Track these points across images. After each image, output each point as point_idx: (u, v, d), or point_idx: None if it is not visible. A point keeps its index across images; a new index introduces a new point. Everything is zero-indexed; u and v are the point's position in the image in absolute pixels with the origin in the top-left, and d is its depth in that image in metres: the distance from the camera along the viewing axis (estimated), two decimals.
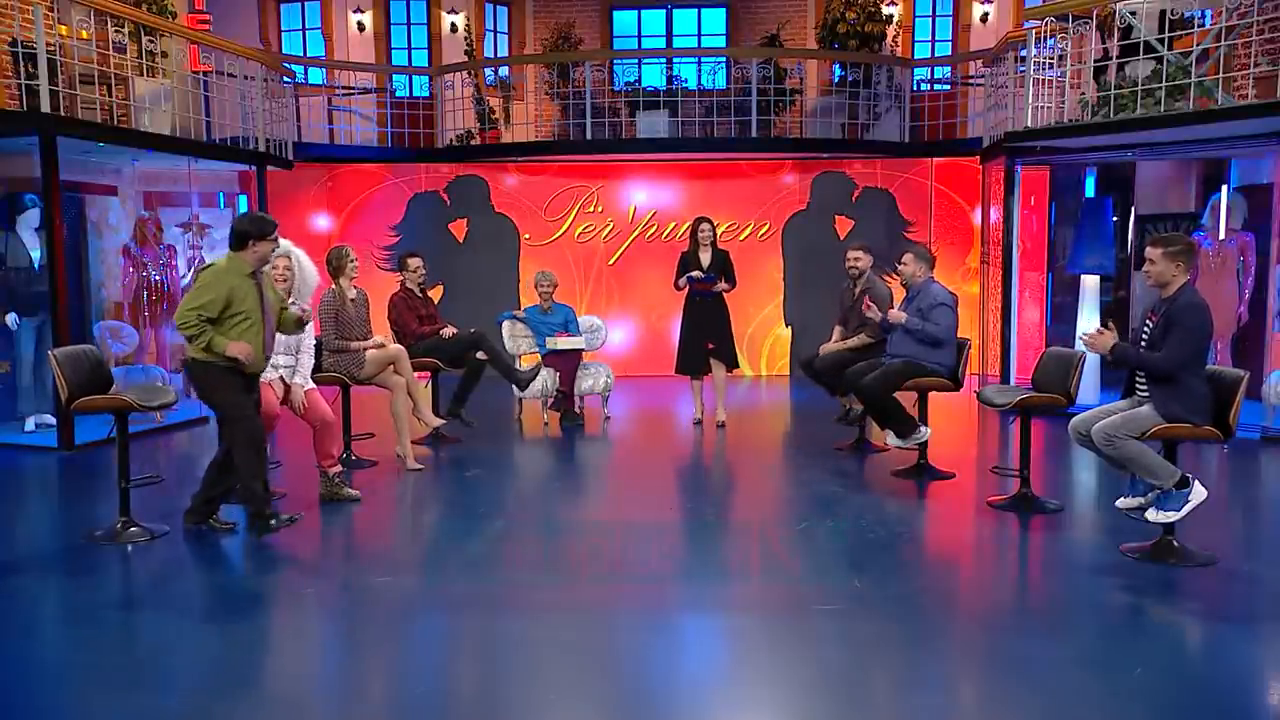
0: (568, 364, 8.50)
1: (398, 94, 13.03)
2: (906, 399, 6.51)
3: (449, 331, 7.71)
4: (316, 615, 4.40)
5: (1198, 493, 4.70)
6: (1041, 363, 6.06)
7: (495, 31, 14.19)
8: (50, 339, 7.45)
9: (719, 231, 8.76)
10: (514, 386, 8.16)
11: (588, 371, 8.68)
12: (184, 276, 9.46)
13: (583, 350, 8.66)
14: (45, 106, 7.24)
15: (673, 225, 11.31)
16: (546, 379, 8.35)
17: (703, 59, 12.89)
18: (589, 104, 11.41)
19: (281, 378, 5.94)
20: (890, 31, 12.74)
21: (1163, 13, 8.00)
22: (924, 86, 13.04)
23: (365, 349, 6.85)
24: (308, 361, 6.10)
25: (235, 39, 10.21)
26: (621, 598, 4.54)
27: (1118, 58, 8.21)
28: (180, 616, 4.27)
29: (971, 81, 12.34)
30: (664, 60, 13.17)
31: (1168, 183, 10.06)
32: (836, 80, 12.59)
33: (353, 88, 12.70)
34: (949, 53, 13.36)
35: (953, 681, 3.71)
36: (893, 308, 6.82)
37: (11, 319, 7.79)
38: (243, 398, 5.19)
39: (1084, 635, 4.04)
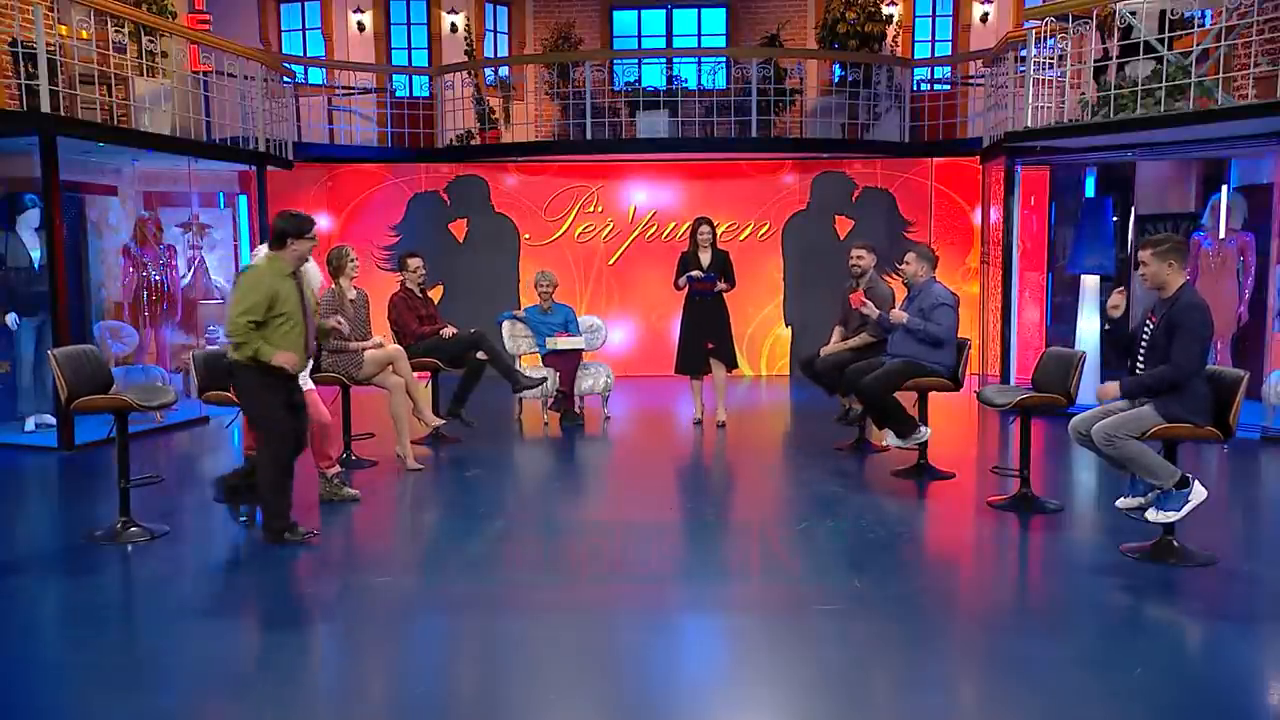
0: (568, 364, 8.50)
1: (398, 94, 13.03)
2: (906, 399, 6.51)
3: (449, 331, 7.71)
4: (316, 615, 4.40)
5: (1198, 493, 4.69)
6: (1041, 363, 6.06)
7: (495, 31, 14.18)
8: (50, 339, 7.45)
9: (719, 232, 8.76)
10: (512, 386, 8.15)
11: (588, 371, 8.68)
12: (184, 277, 9.46)
13: (583, 350, 8.66)
14: (45, 106, 7.24)
15: (673, 225, 11.31)
16: (547, 379, 8.35)
17: (703, 59, 12.89)
18: (589, 104, 11.41)
19: None
20: (890, 31, 12.74)
21: (1163, 13, 7.99)
22: (924, 86, 13.03)
23: (364, 349, 6.85)
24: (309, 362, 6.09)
25: (235, 39, 10.21)
26: (621, 598, 4.54)
27: (1118, 58, 8.21)
28: (180, 616, 4.27)
29: (971, 81, 12.34)
30: (664, 60, 13.16)
31: (1168, 183, 10.05)
32: (836, 80, 12.59)
33: (353, 88, 12.70)
34: (949, 53, 13.36)
35: (953, 681, 3.71)
36: (894, 307, 6.82)
37: (11, 319, 7.79)
38: (279, 412, 5.10)
39: (1084, 635, 4.04)
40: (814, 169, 11.54)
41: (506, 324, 8.75)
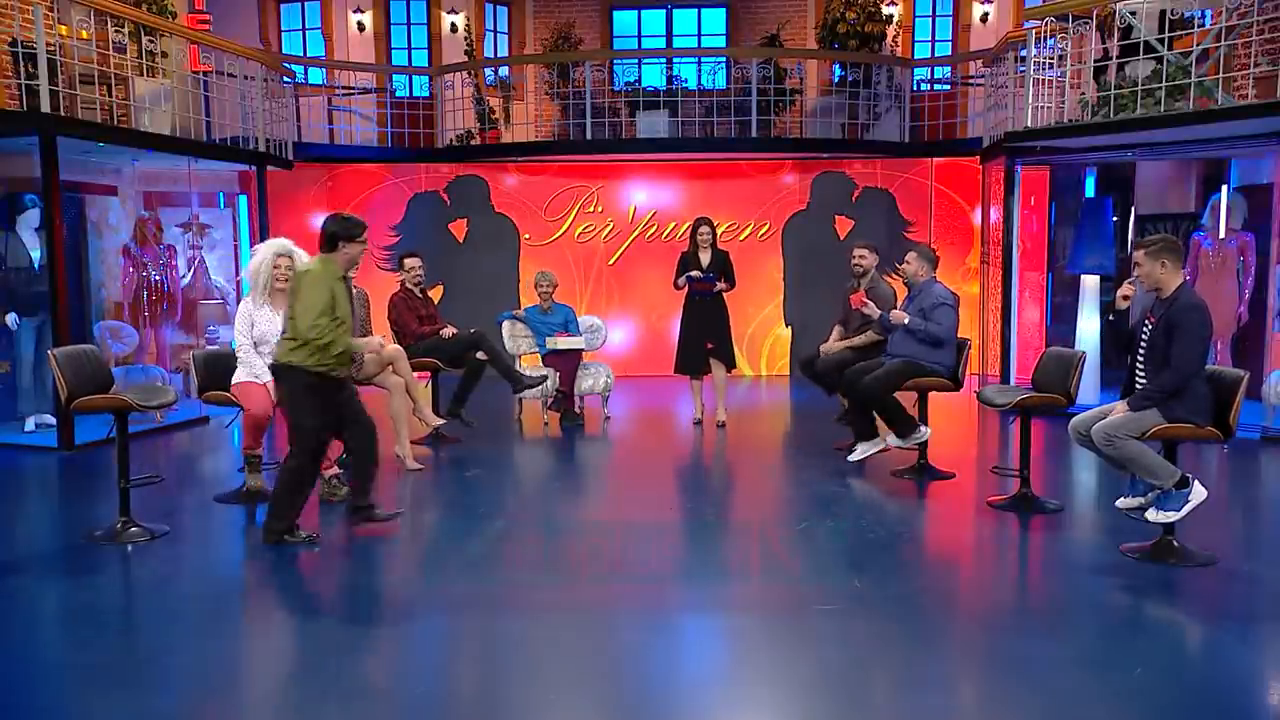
0: (568, 364, 8.50)
1: (398, 94, 13.03)
2: (906, 399, 6.51)
3: (449, 331, 7.71)
4: (316, 615, 4.40)
5: (1198, 493, 4.69)
6: (1041, 363, 6.05)
7: (495, 31, 14.18)
8: (50, 339, 7.45)
9: (719, 232, 8.76)
10: (512, 386, 8.15)
11: (588, 371, 8.68)
12: (184, 277, 9.46)
13: (583, 350, 8.66)
14: (45, 106, 7.24)
15: (673, 225, 11.31)
16: (547, 379, 8.35)
17: (703, 59, 12.89)
18: (589, 104, 11.41)
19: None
20: (890, 31, 12.74)
21: (1163, 13, 7.99)
22: (924, 86, 13.03)
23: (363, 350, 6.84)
24: None
25: (235, 39, 10.21)
26: (621, 598, 4.54)
27: (1118, 58, 8.21)
28: (180, 616, 4.27)
29: (971, 81, 12.34)
30: (664, 60, 13.16)
31: (1168, 183, 10.06)
32: (836, 80, 12.59)
33: (353, 88, 12.70)
34: (949, 53, 13.36)
35: (953, 681, 3.71)
36: (895, 307, 6.83)
37: (11, 319, 7.79)
38: (321, 419, 5.08)
39: (1084, 635, 4.04)
40: (814, 169, 11.54)
41: (506, 324, 8.75)
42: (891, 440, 6.52)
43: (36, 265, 7.87)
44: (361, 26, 13.56)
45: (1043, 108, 8.67)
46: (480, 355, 7.74)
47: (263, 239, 8.48)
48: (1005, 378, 9.20)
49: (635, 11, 14.30)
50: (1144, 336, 4.89)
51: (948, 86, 12.95)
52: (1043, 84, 8.71)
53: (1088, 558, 5.07)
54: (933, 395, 6.62)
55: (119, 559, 5.07)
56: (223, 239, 10.32)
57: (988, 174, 10.14)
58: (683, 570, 4.97)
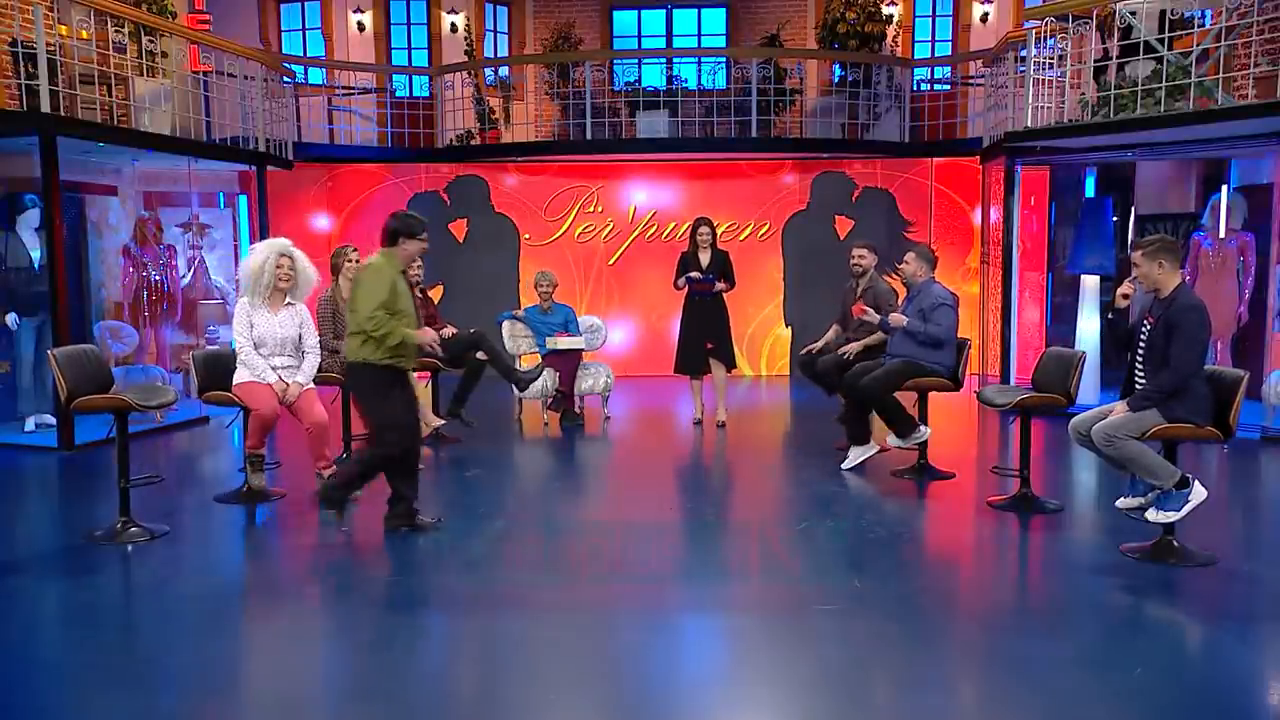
0: (568, 364, 8.50)
1: (398, 94, 13.03)
2: (906, 399, 6.51)
3: (449, 331, 7.70)
4: (316, 615, 4.40)
5: (1198, 493, 4.69)
6: (1041, 363, 6.05)
7: (495, 31, 14.18)
8: (50, 339, 7.45)
9: (719, 232, 8.76)
10: (514, 386, 8.16)
11: (588, 371, 8.68)
12: (184, 277, 9.46)
13: (583, 350, 8.66)
14: (45, 106, 7.24)
15: (673, 225, 11.31)
16: (546, 379, 8.35)
17: (703, 59, 12.89)
18: (589, 104, 11.41)
19: (281, 378, 5.90)
20: (890, 31, 12.74)
21: (1163, 13, 8.00)
22: (924, 86, 13.03)
23: None
24: (313, 360, 6.05)
25: (235, 39, 10.21)
26: (621, 598, 4.54)
27: (1118, 58, 8.21)
28: (180, 616, 4.27)
29: (971, 81, 12.34)
30: (664, 60, 13.17)
31: (1168, 183, 10.06)
32: (836, 80, 12.59)
33: (353, 88, 12.70)
34: (949, 53, 13.36)
35: (953, 681, 3.71)
36: (894, 306, 6.83)
37: (11, 319, 7.79)
38: (398, 408, 5.16)
39: (1084, 635, 4.04)
40: (814, 169, 11.54)
41: (506, 324, 8.75)
42: (892, 440, 6.52)
43: (36, 265, 7.87)
44: (361, 26, 13.56)
45: (1043, 108, 8.68)
46: (480, 355, 7.74)
47: (263, 239, 8.47)
48: (1005, 378, 9.20)
49: (635, 11, 14.30)
50: (1143, 336, 4.89)
51: (948, 86, 12.95)
52: (1043, 84, 8.71)
53: (1088, 558, 5.07)
54: (933, 395, 6.62)
55: (119, 559, 5.07)
56: (223, 239, 10.32)
57: (988, 174, 10.14)
58: (683, 570, 4.97)
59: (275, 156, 10.02)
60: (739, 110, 11.62)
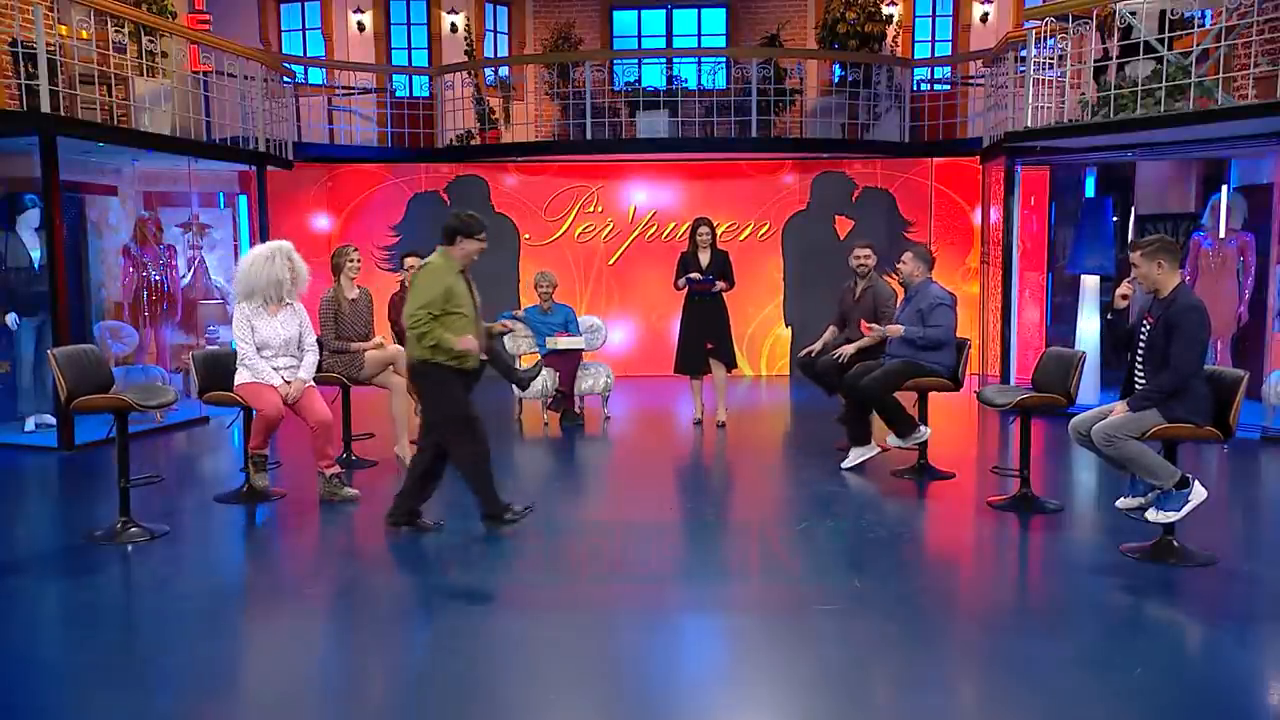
0: (568, 364, 8.50)
1: (398, 94, 13.03)
2: (906, 399, 6.51)
3: None
4: (316, 615, 4.40)
5: (1198, 493, 4.69)
6: (1041, 363, 6.05)
7: (495, 31, 14.18)
8: (50, 339, 7.45)
9: (719, 232, 8.76)
10: (514, 386, 8.14)
11: (588, 371, 8.68)
12: (184, 277, 9.46)
13: (583, 350, 8.66)
14: (45, 106, 7.24)
15: (673, 225, 11.31)
16: (546, 379, 8.35)
17: (703, 59, 12.89)
18: (589, 104, 11.41)
19: (284, 380, 5.90)
20: (890, 31, 12.74)
21: (1163, 13, 7.99)
22: (924, 86, 13.03)
23: (365, 350, 6.85)
24: (311, 359, 6.07)
25: (235, 39, 10.21)
26: (621, 598, 4.54)
27: (1118, 58, 8.21)
28: (180, 616, 4.27)
29: (971, 81, 12.34)
30: (664, 60, 13.17)
31: (1168, 183, 10.06)
32: (836, 80, 12.59)
33: (353, 88, 12.70)
34: (949, 53, 13.36)
35: (953, 681, 3.71)
36: (894, 307, 6.82)
37: (11, 319, 7.79)
38: (465, 406, 5.16)
39: (1084, 635, 4.04)
40: (814, 169, 11.54)
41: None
42: (892, 440, 6.52)
43: (36, 265, 7.87)
44: (361, 26, 13.56)
45: (1043, 108, 8.67)
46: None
47: (263, 239, 8.49)
48: (1005, 378, 9.20)
49: (635, 11, 14.30)
50: (1143, 337, 4.89)
51: (948, 86, 12.95)
52: (1043, 84, 8.71)
53: (1088, 558, 5.07)
54: (933, 395, 6.62)
55: (119, 559, 5.07)
56: (223, 239, 10.32)
57: (988, 174, 10.14)
58: (683, 570, 4.97)
59: (275, 156, 10.02)
60: (739, 110, 11.62)
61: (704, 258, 8.17)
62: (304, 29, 13.75)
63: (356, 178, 11.70)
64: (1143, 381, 4.87)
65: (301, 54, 13.46)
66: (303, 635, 4.19)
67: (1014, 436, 7.63)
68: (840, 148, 11.57)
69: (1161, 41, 7.82)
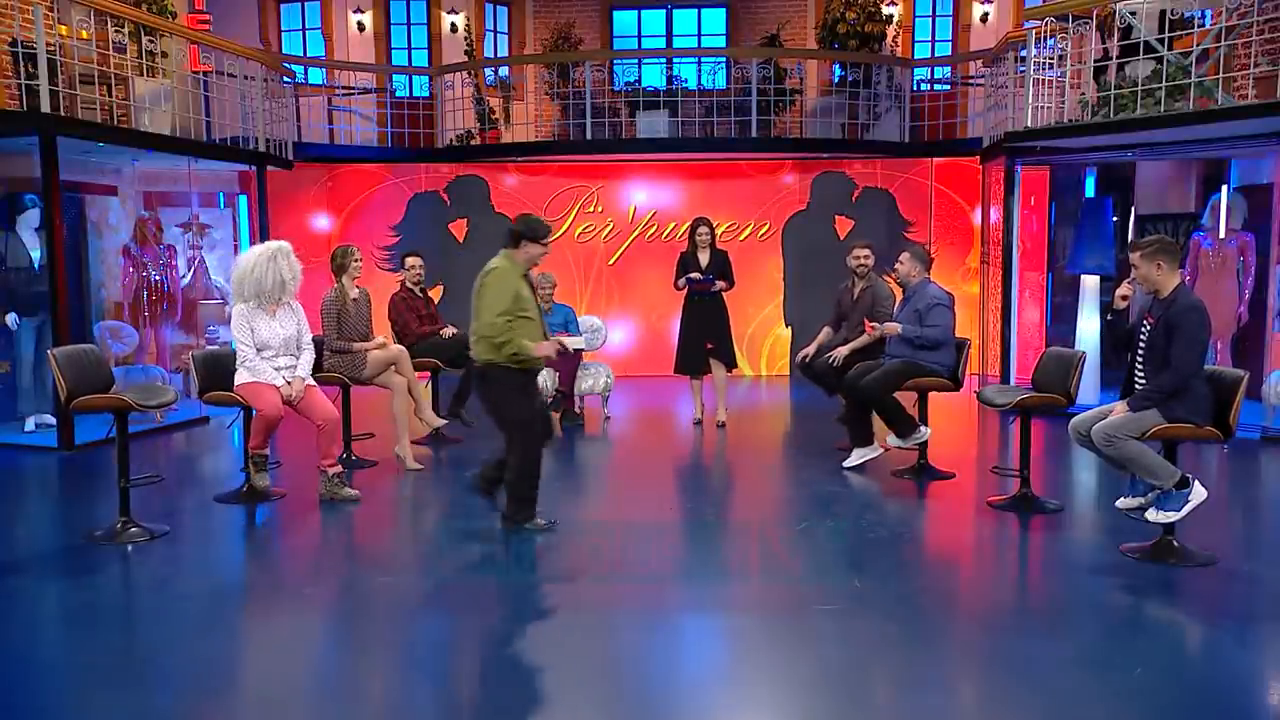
0: (568, 364, 8.48)
1: (398, 94, 13.03)
2: (906, 399, 6.51)
3: (449, 332, 7.71)
4: (316, 615, 4.40)
5: (1198, 493, 4.69)
6: (1041, 363, 6.05)
7: (495, 31, 14.18)
8: (50, 339, 7.45)
9: (719, 232, 8.76)
10: None
11: (588, 371, 8.67)
12: (184, 277, 9.46)
13: (583, 350, 8.65)
14: (45, 106, 7.24)
15: (673, 225, 11.31)
16: (546, 379, 8.34)
17: (703, 59, 12.89)
18: (589, 104, 11.41)
19: (285, 379, 5.90)
20: (890, 31, 12.74)
21: (1163, 13, 8.00)
22: (924, 86, 13.03)
23: (367, 350, 6.84)
24: (309, 357, 6.08)
25: (235, 39, 10.21)
26: (621, 598, 4.54)
27: (1118, 58, 8.21)
28: (179, 616, 4.27)
29: (971, 81, 12.34)
30: (664, 60, 13.17)
31: (1168, 183, 10.06)
32: (836, 80, 12.59)
33: (353, 88, 12.70)
34: (949, 53, 13.36)
35: (953, 681, 3.71)
36: (893, 307, 6.82)
37: (11, 319, 7.79)
38: (530, 409, 5.26)
39: (1084, 635, 4.04)
40: (814, 169, 11.54)
41: None
42: (891, 440, 6.52)
43: (36, 265, 7.87)
44: (361, 26, 13.56)
45: (1043, 108, 8.67)
46: None
47: (263, 239, 8.47)
48: (1005, 378, 9.20)
49: (635, 11, 14.30)
50: (1143, 337, 4.89)
51: (948, 86, 12.95)
52: (1043, 84, 8.71)
53: (1088, 558, 5.07)
54: (933, 395, 6.62)
55: (119, 559, 5.07)
56: (223, 239, 10.32)
57: (988, 174, 10.14)
58: (683, 570, 4.97)
59: (275, 156, 10.02)
60: (739, 110, 11.62)
61: (703, 258, 8.18)
62: (304, 29, 13.75)
63: (356, 178, 11.70)
64: (1143, 382, 4.87)
65: (301, 54, 13.46)
66: (302, 635, 4.19)
67: (1014, 436, 7.63)
68: (840, 148, 11.57)
69: (1161, 41, 7.82)
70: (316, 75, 13.22)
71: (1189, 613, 4.42)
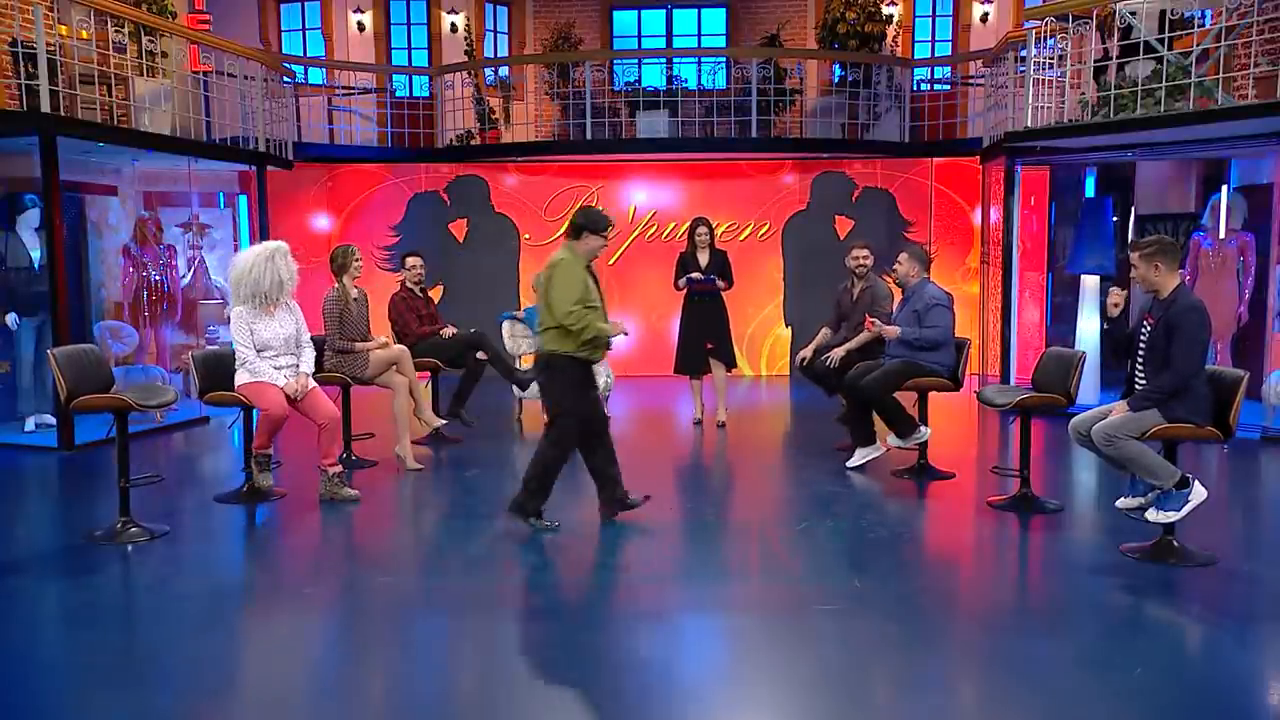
0: None
1: (398, 94, 13.03)
2: (906, 399, 6.51)
3: (449, 332, 7.71)
4: (316, 615, 4.40)
5: (1198, 493, 4.69)
6: (1041, 363, 6.05)
7: (495, 31, 14.19)
8: (50, 339, 7.45)
9: (719, 232, 8.76)
10: (514, 387, 8.16)
11: None
12: (184, 277, 9.46)
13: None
14: (45, 106, 7.24)
15: (673, 225, 11.31)
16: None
17: (703, 59, 12.89)
18: (589, 104, 11.41)
19: (287, 379, 5.89)
20: (890, 31, 12.74)
21: (1163, 13, 8.00)
22: (924, 86, 13.04)
23: (369, 350, 6.84)
24: (309, 355, 6.08)
25: (235, 39, 10.21)
26: (622, 598, 4.54)
27: (1118, 58, 8.21)
28: (179, 616, 4.27)
29: (971, 81, 12.34)
30: (664, 60, 13.17)
31: (1168, 183, 10.06)
32: (836, 80, 12.59)
33: (353, 88, 12.70)
34: (949, 53, 13.36)
35: (953, 681, 3.71)
36: (892, 307, 6.82)
37: (11, 319, 7.79)
38: (586, 402, 5.35)
39: (1084, 635, 4.04)
40: (814, 169, 11.55)
41: (506, 324, 8.75)
42: (892, 440, 6.52)
43: (36, 265, 7.87)
44: (361, 26, 13.56)
45: (1043, 108, 8.67)
46: (480, 355, 7.74)
47: (263, 239, 8.46)
48: (1005, 378, 9.20)
49: (635, 11, 14.31)
50: (1143, 338, 4.89)
51: (948, 86, 12.95)
52: (1043, 84, 8.71)
53: (1088, 558, 5.07)
54: (933, 395, 6.62)
55: (119, 559, 5.06)
56: (223, 239, 10.32)
57: (988, 174, 10.14)
58: (683, 570, 4.97)
59: (275, 156, 10.02)
60: (739, 110, 11.62)
61: (703, 258, 8.18)
62: (304, 29, 13.75)
63: (356, 178, 11.70)
64: (1143, 382, 4.87)
65: (301, 54, 13.46)
66: (302, 635, 4.19)
67: (1014, 436, 7.63)
68: (840, 148, 11.57)
69: (1161, 41, 7.82)
70: (316, 75, 13.22)
71: (1189, 613, 4.42)
